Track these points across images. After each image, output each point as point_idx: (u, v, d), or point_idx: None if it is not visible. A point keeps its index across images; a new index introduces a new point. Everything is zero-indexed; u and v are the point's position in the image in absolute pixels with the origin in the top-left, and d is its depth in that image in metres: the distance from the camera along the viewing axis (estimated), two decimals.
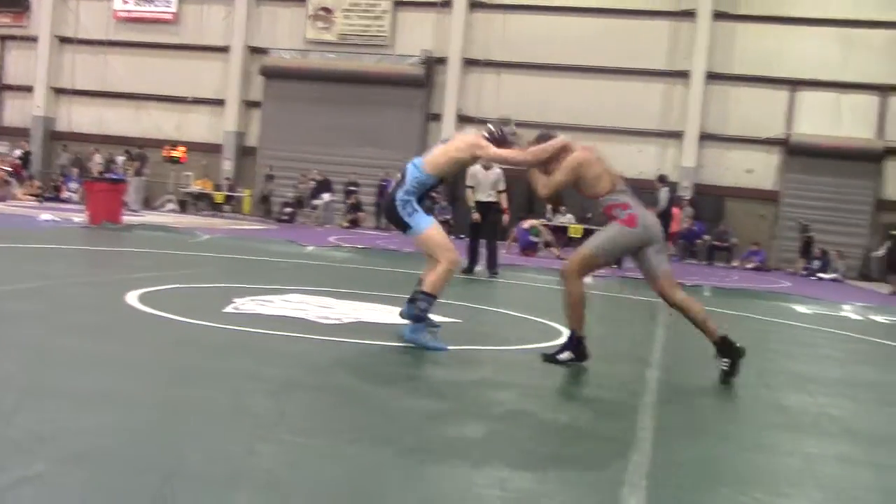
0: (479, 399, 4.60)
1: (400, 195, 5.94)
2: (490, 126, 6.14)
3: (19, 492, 2.63)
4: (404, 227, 5.98)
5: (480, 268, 12.63)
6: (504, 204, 12.70)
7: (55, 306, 6.47)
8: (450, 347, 5.88)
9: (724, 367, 5.53)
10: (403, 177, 6.04)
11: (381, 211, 8.50)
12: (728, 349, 5.57)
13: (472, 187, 12.48)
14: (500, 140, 6.03)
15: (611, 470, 3.39)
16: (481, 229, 12.62)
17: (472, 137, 6.07)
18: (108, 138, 28.23)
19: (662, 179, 18.14)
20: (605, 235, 5.69)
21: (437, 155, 6.03)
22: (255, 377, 4.55)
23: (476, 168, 12.19)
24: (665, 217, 17.61)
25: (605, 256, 5.76)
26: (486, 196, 12.43)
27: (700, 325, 5.75)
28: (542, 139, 5.92)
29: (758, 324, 9.85)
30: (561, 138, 5.87)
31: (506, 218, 13.25)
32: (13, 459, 2.89)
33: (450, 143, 6.14)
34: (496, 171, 12.40)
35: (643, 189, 24.42)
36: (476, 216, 12.55)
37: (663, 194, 17.39)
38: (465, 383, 5.05)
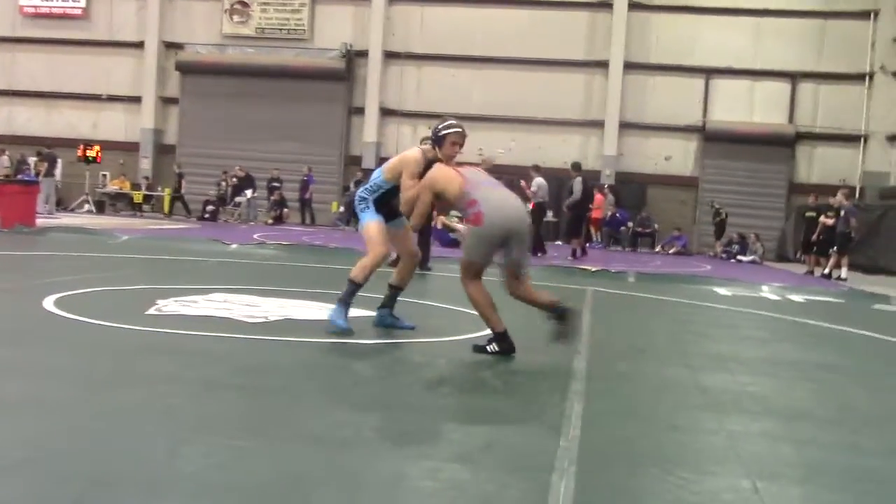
0: (408, 392, 4.59)
1: (360, 192, 6.38)
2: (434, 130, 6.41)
3: None
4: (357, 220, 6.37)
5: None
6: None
7: None
8: (376, 342, 5.87)
9: (557, 325, 5.67)
10: (367, 178, 6.50)
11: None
12: (558, 312, 5.71)
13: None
14: (435, 140, 6.30)
15: (540, 456, 3.41)
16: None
17: (410, 158, 6.29)
18: (18, 139, 27.31)
19: (576, 167, 18.11)
20: (468, 239, 5.84)
21: (394, 163, 6.37)
22: (179, 379, 4.45)
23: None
24: (582, 205, 17.72)
25: (479, 258, 5.78)
26: None
27: (534, 302, 5.89)
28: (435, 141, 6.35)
29: (680, 307, 10.07)
30: (422, 184, 5.96)
31: (434, 214, 13.10)
32: None
33: (400, 156, 6.44)
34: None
35: (567, 178, 24.75)
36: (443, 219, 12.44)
37: (577, 184, 17.33)
38: (393, 376, 5.03)
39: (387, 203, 6.25)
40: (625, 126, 25.73)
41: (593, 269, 13.96)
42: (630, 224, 24.72)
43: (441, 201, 5.96)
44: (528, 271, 5.94)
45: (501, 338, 5.71)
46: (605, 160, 25.70)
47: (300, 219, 25.49)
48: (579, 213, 17.77)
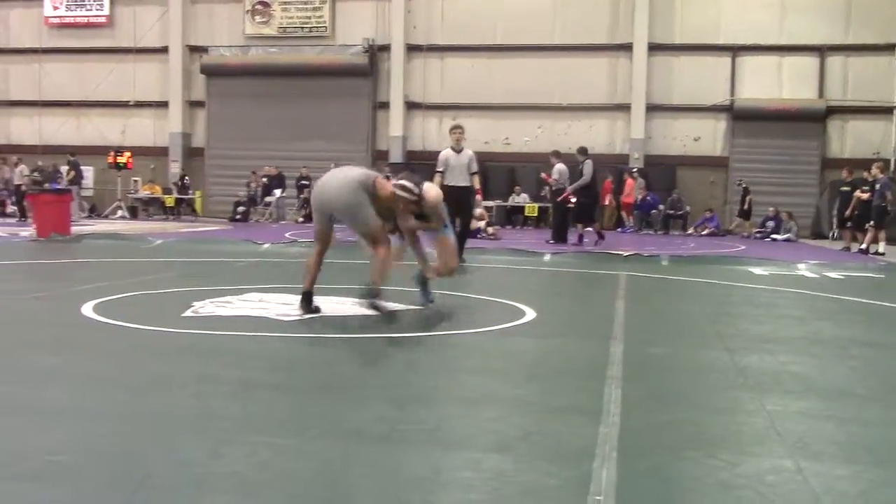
0: (446, 383, 4.59)
1: None
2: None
3: None
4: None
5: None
6: (477, 185, 12.27)
7: (9, 323, 6.34)
8: (411, 335, 5.89)
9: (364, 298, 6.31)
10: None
11: None
12: (368, 292, 6.34)
13: (441, 172, 11.92)
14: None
15: (580, 443, 3.40)
16: (454, 213, 12.25)
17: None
18: (49, 148, 27.68)
19: (583, 152, 17.81)
20: None
21: None
22: (218, 379, 4.49)
23: (447, 152, 11.93)
24: (592, 189, 17.34)
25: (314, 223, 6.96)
26: (458, 180, 11.88)
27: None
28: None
29: (715, 288, 9.98)
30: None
31: (478, 199, 12.81)
32: None
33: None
34: (468, 152, 12.03)
35: (596, 163, 24.57)
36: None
37: (587, 167, 17.01)
38: (429, 369, 5.04)
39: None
40: (652, 108, 25.50)
41: (625, 254, 13.87)
42: (661, 207, 24.53)
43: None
44: (367, 241, 6.60)
45: (305, 297, 6.64)
46: (632, 144, 25.51)
47: None
48: (590, 198, 17.48)
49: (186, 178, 26.95)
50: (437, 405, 4.09)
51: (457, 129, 12.19)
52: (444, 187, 11.81)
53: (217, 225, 22.93)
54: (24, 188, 23.43)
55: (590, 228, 17.43)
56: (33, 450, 3.20)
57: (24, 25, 28.63)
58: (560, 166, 17.47)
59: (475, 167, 12.01)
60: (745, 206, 23.69)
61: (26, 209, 21.54)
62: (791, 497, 2.90)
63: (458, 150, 11.86)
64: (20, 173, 22.28)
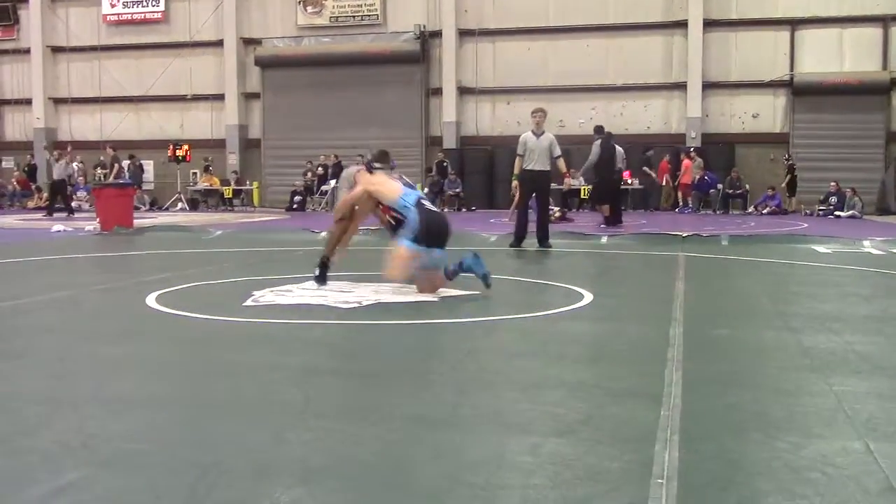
0: (505, 368, 4.59)
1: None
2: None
3: (54, 502, 2.64)
4: None
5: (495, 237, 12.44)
6: (563, 168, 12.11)
7: (77, 315, 6.51)
8: (469, 320, 5.91)
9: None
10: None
11: None
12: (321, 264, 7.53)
13: (521, 155, 11.74)
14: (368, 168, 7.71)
15: (641, 427, 3.38)
16: (537, 200, 11.89)
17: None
18: (110, 144, 28.26)
19: (598, 131, 17.48)
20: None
21: None
22: (279, 367, 4.56)
23: (527, 135, 11.76)
24: (604, 169, 16.88)
25: None
26: (539, 164, 11.67)
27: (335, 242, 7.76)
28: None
29: (778, 267, 9.80)
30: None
31: (567, 181, 12.52)
32: (45, 471, 2.91)
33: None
34: (548, 136, 11.80)
35: (652, 143, 24.29)
36: (515, 185, 12.05)
37: (595, 148, 16.77)
38: (488, 353, 5.04)
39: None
40: (708, 86, 25.04)
41: (684, 235, 13.69)
42: (719, 186, 24.11)
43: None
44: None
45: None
46: (689, 122, 25.10)
47: None
48: (604, 179, 17.14)
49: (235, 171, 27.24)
50: (496, 389, 4.09)
51: (538, 113, 11.96)
52: (523, 171, 11.78)
53: (274, 215, 23.21)
54: (74, 182, 23.92)
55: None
56: (105, 437, 3.29)
57: (82, 24, 29.25)
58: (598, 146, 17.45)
59: (558, 151, 11.83)
60: (788, 184, 23.26)
61: (71, 204, 21.85)
62: (862, 479, 2.84)
63: (538, 134, 11.67)
64: (61, 167, 22.28)
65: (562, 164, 11.99)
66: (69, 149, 25.85)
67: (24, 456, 3.09)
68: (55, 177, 22.09)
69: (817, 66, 24.43)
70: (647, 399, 3.80)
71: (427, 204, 7.35)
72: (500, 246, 12.46)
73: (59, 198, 21.78)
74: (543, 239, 11.89)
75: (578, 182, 21.26)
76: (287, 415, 3.60)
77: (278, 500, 2.64)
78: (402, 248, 7.07)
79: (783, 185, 23.42)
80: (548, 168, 11.73)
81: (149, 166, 28.19)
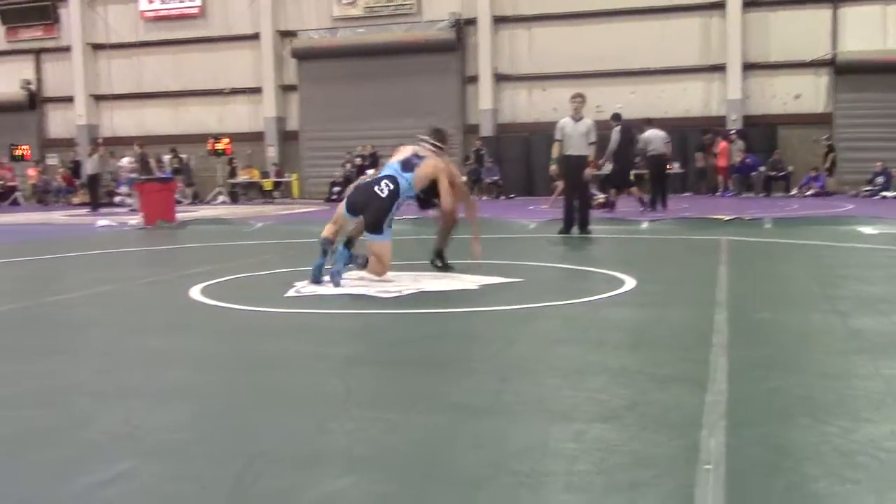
0: (547, 355, 4.58)
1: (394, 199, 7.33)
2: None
3: (105, 493, 2.69)
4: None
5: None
6: (591, 156, 12.02)
7: (123, 308, 6.60)
8: (511, 307, 5.90)
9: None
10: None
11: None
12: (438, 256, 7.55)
13: (559, 140, 11.68)
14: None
15: (687, 412, 3.35)
16: (575, 183, 11.79)
17: (442, 166, 7.49)
18: (151, 139, 28.61)
19: (616, 118, 17.24)
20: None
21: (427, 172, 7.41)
22: (322, 357, 4.59)
23: (565, 120, 11.68)
24: (623, 155, 16.77)
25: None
26: (576, 149, 11.59)
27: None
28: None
29: (823, 250, 9.64)
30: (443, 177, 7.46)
31: (589, 171, 12.21)
32: (95, 461, 2.96)
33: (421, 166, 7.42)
34: (587, 121, 11.74)
35: (690, 127, 23.95)
36: (553, 168, 11.96)
37: (614, 134, 16.55)
38: (530, 340, 5.03)
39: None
40: (748, 67, 24.64)
41: (726, 218, 13.51)
42: (761, 168, 23.75)
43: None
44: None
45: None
46: (729, 105, 24.73)
47: None
48: (623, 165, 16.95)
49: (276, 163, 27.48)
50: (539, 376, 4.08)
51: (577, 98, 11.83)
52: (561, 157, 11.70)
53: (314, 206, 23.35)
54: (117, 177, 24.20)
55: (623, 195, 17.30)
56: (152, 428, 3.34)
57: (121, 21, 29.57)
58: (648, 133, 17.48)
59: (594, 137, 11.70)
60: (828, 164, 22.88)
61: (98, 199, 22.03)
62: None
63: (577, 119, 11.59)
64: (94, 162, 22.42)
65: (593, 150, 11.93)
66: (100, 142, 26.17)
67: (74, 447, 3.14)
68: (89, 172, 22.33)
69: (860, 44, 23.90)
70: (691, 384, 3.76)
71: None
72: (540, 233, 12.41)
73: (92, 192, 22.20)
74: (584, 224, 11.82)
75: (608, 170, 21.06)
76: (330, 405, 3.62)
77: (323, 490, 2.66)
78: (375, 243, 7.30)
79: (825, 166, 23.04)
80: (586, 153, 11.66)
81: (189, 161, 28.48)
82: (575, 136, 11.52)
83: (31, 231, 15.65)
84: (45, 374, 4.33)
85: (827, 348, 4.61)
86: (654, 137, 17.40)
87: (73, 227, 16.84)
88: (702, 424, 3.17)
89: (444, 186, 7.41)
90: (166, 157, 26.30)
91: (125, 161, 25.11)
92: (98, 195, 22.51)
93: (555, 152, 11.82)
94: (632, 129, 17.04)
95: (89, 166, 22.28)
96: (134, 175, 21.85)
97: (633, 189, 17.47)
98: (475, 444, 3.08)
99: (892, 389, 3.66)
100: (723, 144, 23.70)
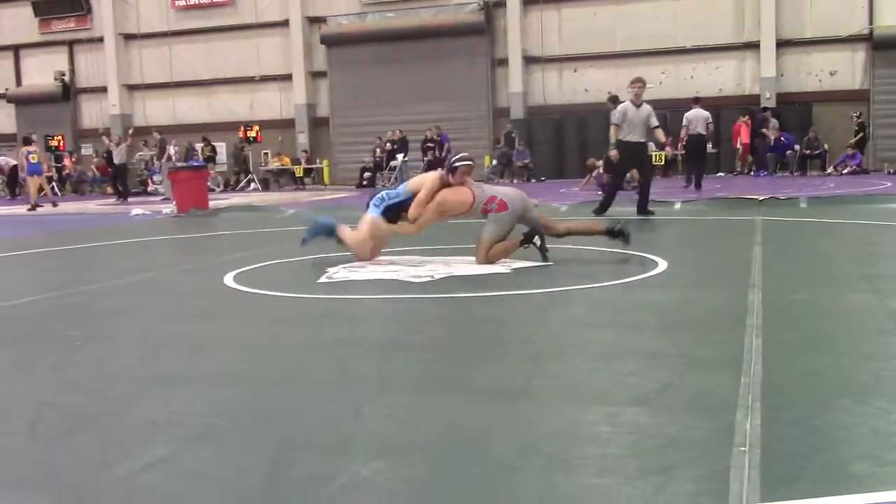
0: (579, 338, 4.57)
1: (381, 194, 7.93)
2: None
3: (146, 477, 2.74)
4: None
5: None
6: (662, 138, 11.88)
7: (159, 296, 6.69)
8: (542, 291, 5.89)
9: (616, 238, 7.34)
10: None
11: None
12: (615, 233, 7.32)
13: (617, 125, 11.50)
14: (448, 169, 7.60)
15: (722, 394, 3.33)
16: (634, 170, 11.68)
17: (430, 179, 7.66)
18: (183, 127, 28.85)
19: (614, 100, 17.03)
20: (492, 227, 7.28)
21: (416, 181, 7.81)
22: (355, 342, 4.62)
23: (626, 105, 11.53)
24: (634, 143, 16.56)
25: (501, 237, 7.30)
26: (636, 135, 11.46)
27: (590, 232, 7.66)
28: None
29: (860, 229, 9.50)
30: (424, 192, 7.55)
31: (669, 150, 12.29)
32: (136, 447, 3.01)
33: (423, 177, 7.93)
34: (647, 107, 11.60)
35: (725, 106, 23.58)
36: (613, 153, 11.68)
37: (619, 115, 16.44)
38: (562, 323, 5.02)
39: (398, 210, 7.64)
40: (782, 44, 24.27)
41: (760, 198, 13.36)
42: (796, 147, 23.41)
43: (448, 214, 7.60)
44: (541, 216, 7.57)
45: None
46: (763, 83, 24.39)
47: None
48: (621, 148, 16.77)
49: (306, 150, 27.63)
50: (571, 360, 4.08)
51: (637, 83, 11.69)
52: (620, 142, 11.49)
53: (345, 192, 23.43)
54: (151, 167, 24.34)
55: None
56: (190, 414, 3.39)
57: (152, 10, 29.79)
58: (691, 113, 17.61)
59: (655, 121, 11.57)
60: (854, 141, 22.50)
61: (123, 190, 22.13)
62: None
63: (637, 105, 11.41)
64: (121, 152, 22.23)
65: (660, 133, 11.76)
66: (130, 133, 26.42)
67: (115, 433, 3.20)
68: (115, 162, 22.38)
69: None
70: (726, 367, 3.73)
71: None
72: (572, 215, 12.35)
73: (119, 182, 22.33)
74: (643, 207, 11.69)
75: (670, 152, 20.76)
76: (364, 389, 3.65)
77: (358, 474, 2.68)
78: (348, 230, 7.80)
79: (852, 142, 22.63)
80: (646, 139, 11.52)
81: (221, 148, 28.69)
82: (636, 122, 11.36)
83: (67, 221, 15.88)
84: (85, 362, 4.41)
85: (864, 329, 4.55)
86: (694, 117, 17.49)
87: (108, 216, 17.05)
88: (737, 406, 3.15)
89: (419, 197, 7.53)
90: (198, 146, 26.49)
91: (172, 150, 25.29)
92: (126, 185, 22.69)
93: (612, 137, 11.62)
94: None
95: (116, 156, 22.35)
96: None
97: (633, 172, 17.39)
98: (508, 428, 3.09)
99: None
100: (736, 126, 23.32)
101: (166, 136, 26.12)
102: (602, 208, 11.88)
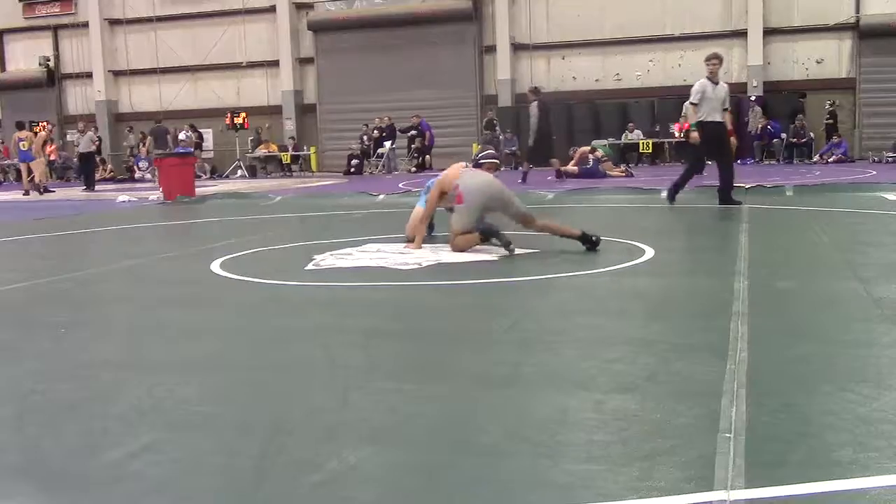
0: (566, 325, 4.58)
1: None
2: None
3: (131, 464, 2.73)
4: None
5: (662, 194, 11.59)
6: (729, 124, 11.04)
7: (145, 283, 6.66)
8: (528, 278, 5.90)
9: (588, 246, 7.03)
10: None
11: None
12: (589, 241, 7.04)
13: (695, 104, 10.76)
14: (475, 164, 7.86)
15: (707, 381, 3.34)
16: (712, 153, 10.85)
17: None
18: (170, 114, 28.68)
19: (535, 92, 16.89)
20: (455, 217, 7.35)
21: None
22: (342, 329, 4.62)
23: (703, 82, 10.75)
24: (544, 131, 16.54)
25: (469, 227, 7.23)
26: (714, 115, 10.67)
27: (565, 234, 7.23)
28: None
29: (845, 217, 9.55)
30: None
31: (734, 141, 11.31)
32: (121, 434, 3.00)
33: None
34: (724, 86, 10.90)
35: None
36: (694, 135, 10.82)
37: (532, 109, 16.32)
38: (549, 311, 5.03)
39: None
40: (769, 32, 24.30)
41: (747, 186, 13.40)
42: (783, 136, 23.49)
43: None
44: (523, 212, 7.45)
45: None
46: (750, 71, 24.43)
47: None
48: (541, 139, 16.63)
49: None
50: (558, 347, 4.09)
51: (713, 59, 10.96)
52: (699, 123, 10.72)
53: (332, 179, 23.38)
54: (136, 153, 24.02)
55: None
56: (176, 401, 3.38)
57: None
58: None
59: (728, 103, 10.87)
60: (827, 128, 22.72)
61: (92, 178, 21.52)
62: None
63: (715, 82, 10.71)
64: (89, 140, 21.55)
65: (729, 118, 10.98)
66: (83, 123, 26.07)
67: (101, 420, 3.19)
68: (80, 150, 21.68)
69: (885, 6, 23.49)
70: (712, 353, 3.75)
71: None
72: (559, 203, 12.34)
73: (85, 170, 21.62)
74: (727, 196, 10.90)
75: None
76: (351, 376, 3.65)
77: (346, 460, 2.68)
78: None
79: (821, 129, 22.82)
80: (723, 120, 10.76)
81: (207, 135, 28.55)
82: (714, 101, 10.63)
83: (52, 207, 15.78)
84: (70, 349, 4.39)
85: (849, 316, 4.58)
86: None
87: (94, 203, 16.96)
88: (722, 393, 3.17)
89: (432, 194, 7.71)
90: (184, 133, 26.37)
91: (183, 135, 25.12)
92: (92, 174, 21.93)
93: (692, 117, 10.92)
94: (549, 103, 16.87)
95: (82, 144, 21.61)
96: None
97: (554, 161, 17.76)
98: (495, 415, 3.10)
99: None
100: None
101: (165, 123, 25.90)
102: (672, 193, 11.27)
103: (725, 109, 10.80)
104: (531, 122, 16.54)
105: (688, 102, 11.03)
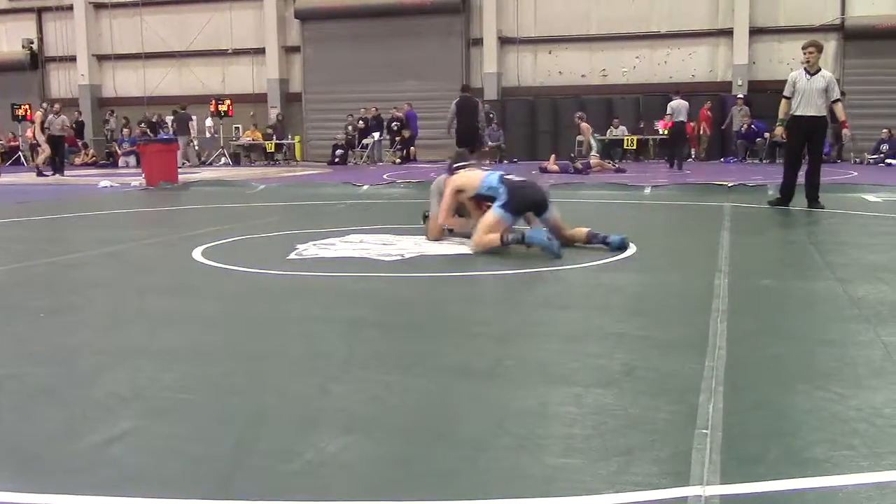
0: (547, 319, 4.59)
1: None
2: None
3: (109, 450, 2.72)
4: None
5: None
6: (841, 115, 10.27)
7: (125, 269, 6.62)
8: (511, 272, 5.91)
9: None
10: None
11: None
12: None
13: (788, 98, 10.16)
14: (450, 171, 7.58)
15: (685, 378, 3.36)
16: (804, 149, 10.24)
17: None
18: (154, 99, 28.52)
19: (464, 89, 16.84)
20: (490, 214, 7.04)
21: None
22: (324, 319, 4.61)
23: (797, 74, 10.13)
24: (462, 123, 15.98)
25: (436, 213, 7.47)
26: (812, 108, 9.96)
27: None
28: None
29: (826, 217, 9.62)
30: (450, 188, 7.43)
31: (846, 133, 10.93)
32: (99, 420, 2.99)
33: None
34: (825, 74, 10.09)
35: (697, 92, 24.08)
36: (779, 130, 10.48)
37: (452, 105, 15.95)
38: (531, 305, 5.05)
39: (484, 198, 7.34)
40: (755, 32, 24.43)
41: (729, 184, 13.48)
42: (766, 135, 23.58)
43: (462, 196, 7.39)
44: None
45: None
46: (735, 70, 24.56)
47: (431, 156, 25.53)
48: (466, 131, 15.82)
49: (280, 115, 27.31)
50: (539, 341, 4.10)
51: (809, 48, 10.16)
52: (791, 117, 10.16)
53: (316, 169, 23.30)
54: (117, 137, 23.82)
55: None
56: (154, 388, 3.37)
57: None
58: (674, 103, 19.72)
59: (837, 93, 10.05)
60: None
61: (61, 163, 21.07)
62: None
63: (811, 73, 9.96)
64: (62, 123, 20.99)
65: (840, 109, 10.15)
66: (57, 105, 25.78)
67: (79, 406, 3.17)
68: (51, 132, 20.94)
69: (870, 8, 23.68)
70: (691, 350, 3.78)
71: (513, 177, 7.10)
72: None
73: (55, 154, 20.97)
74: (814, 197, 10.34)
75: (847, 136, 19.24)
76: (332, 366, 3.65)
77: (324, 450, 2.68)
78: (490, 214, 6.90)
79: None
80: (822, 113, 10.03)
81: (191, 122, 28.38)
82: (808, 93, 9.91)
83: (33, 191, 15.65)
84: (49, 334, 4.36)
85: (827, 315, 4.62)
86: (677, 107, 19.67)
87: (75, 187, 16.84)
88: (701, 390, 3.19)
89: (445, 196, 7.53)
90: (168, 119, 26.21)
91: (209, 121, 24.97)
92: (63, 158, 21.50)
93: (782, 111, 10.28)
94: (473, 99, 16.48)
95: (53, 128, 20.91)
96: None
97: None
98: (475, 407, 3.11)
99: (892, 357, 3.68)
100: (702, 111, 23.68)
101: (154, 108, 25.70)
102: (785, 199, 10.56)
103: (837, 100, 10.05)
104: (448, 117, 16.04)
105: (783, 97, 10.29)
